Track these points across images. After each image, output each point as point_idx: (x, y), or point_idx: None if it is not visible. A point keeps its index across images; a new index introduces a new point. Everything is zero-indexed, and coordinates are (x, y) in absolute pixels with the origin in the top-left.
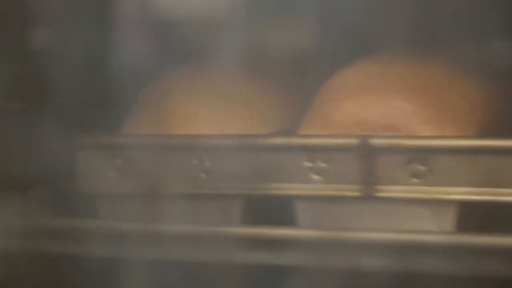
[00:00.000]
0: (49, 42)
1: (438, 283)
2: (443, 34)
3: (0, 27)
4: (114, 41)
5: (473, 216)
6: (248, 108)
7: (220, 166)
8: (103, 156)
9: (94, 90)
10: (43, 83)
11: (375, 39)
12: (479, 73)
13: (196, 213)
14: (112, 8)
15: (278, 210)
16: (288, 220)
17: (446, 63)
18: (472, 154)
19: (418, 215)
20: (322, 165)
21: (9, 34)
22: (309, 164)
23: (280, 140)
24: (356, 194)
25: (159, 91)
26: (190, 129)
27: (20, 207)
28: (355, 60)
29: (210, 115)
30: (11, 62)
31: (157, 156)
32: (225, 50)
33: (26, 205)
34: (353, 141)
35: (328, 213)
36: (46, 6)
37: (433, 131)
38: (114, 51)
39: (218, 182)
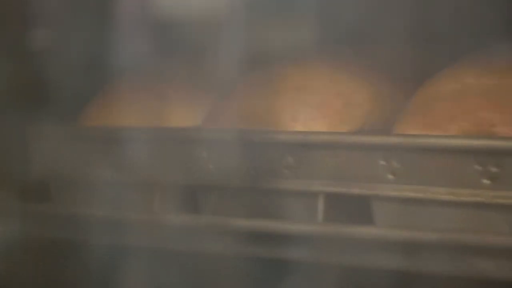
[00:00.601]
0: (49, 42)
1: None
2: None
3: (0, 27)
4: (114, 41)
5: (339, 207)
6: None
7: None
8: (50, 145)
9: (93, 90)
10: (43, 82)
11: (375, 38)
12: (380, 74)
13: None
14: (112, 8)
15: (184, 199)
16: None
17: (345, 63)
18: (328, 149)
19: (293, 206)
20: (215, 156)
21: (9, 34)
22: (205, 155)
23: (182, 133)
24: (241, 185)
25: (114, 87)
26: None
27: None
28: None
29: (142, 110)
30: (11, 62)
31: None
32: (220, 49)
33: None
34: (234, 135)
35: (221, 203)
36: (46, 6)
37: (300, 127)
38: (114, 51)
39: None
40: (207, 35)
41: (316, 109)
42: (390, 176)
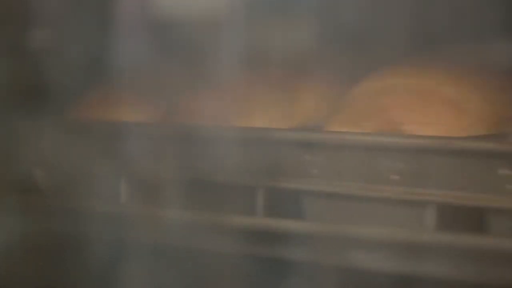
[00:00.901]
0: (49, 42)
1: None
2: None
3: (0, 27)
4: (114, 41)
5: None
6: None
7: None
8: (47, 140)
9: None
10: (43, 82)
11: (375, 38)
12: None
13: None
14: (112, 8)
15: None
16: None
17: (298, 61)
18: (260, 144)
19: (235, 200)
20: (169, 149)
21: (9, 34)
22: (174, 148)
23: (178, 129)
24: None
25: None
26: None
27: None
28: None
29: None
30: (11, 62)
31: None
32: (218, 49)
33: None
34: (183, 130)
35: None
36: (46, 6)
37: (243, 122)
38: (114, 51)
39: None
40: (206, 35)
41: (260, 104)
42: (315, 171)
